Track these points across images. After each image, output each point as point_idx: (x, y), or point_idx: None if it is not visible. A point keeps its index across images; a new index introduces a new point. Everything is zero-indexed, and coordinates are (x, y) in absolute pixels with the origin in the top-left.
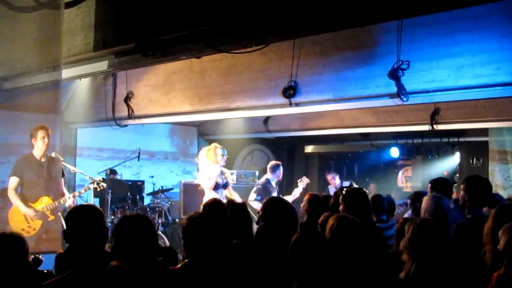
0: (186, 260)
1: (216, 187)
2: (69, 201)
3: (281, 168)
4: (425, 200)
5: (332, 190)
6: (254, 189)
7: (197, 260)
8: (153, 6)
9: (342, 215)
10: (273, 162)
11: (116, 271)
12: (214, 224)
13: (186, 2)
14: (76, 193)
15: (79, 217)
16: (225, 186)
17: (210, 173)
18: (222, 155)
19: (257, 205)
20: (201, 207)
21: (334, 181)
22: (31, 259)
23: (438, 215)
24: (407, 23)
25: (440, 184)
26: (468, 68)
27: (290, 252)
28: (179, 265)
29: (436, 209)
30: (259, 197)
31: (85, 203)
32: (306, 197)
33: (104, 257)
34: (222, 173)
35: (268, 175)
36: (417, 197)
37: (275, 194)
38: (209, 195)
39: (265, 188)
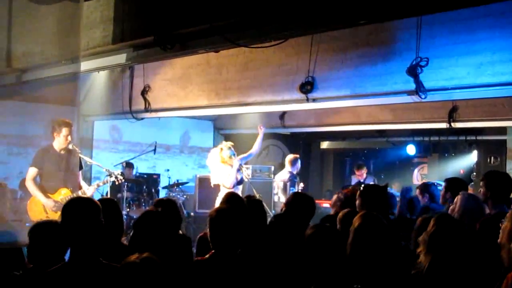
0: (213, 251)
1: (233, 184)
2: (88, 192)
3: (299, 161)
4: (462, 199)
5: (355, 181)
6: (292, 184)
7: (224, 252)
8: None
9: (367, 213)
10: (291, 156)
11: (149, 261)
12: (238, 216)
13: None
14: (95, 185)
15: (76, 210)
16: (240, 182)
17: (227, 171)
18: (230, 156)
19: None
20: (220, 201)
21: (362, 176)
22: None
23: (475, 215)
24: (426, 20)
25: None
26: (488, 65)
27: (305, 247)
28: (206, 256)
29: (475, 209)
30: (293, 189)
31: (83, 196)
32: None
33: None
34: (239, 169)
35: (288, 168)
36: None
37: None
38: (224, 191)
39: (293, 181)
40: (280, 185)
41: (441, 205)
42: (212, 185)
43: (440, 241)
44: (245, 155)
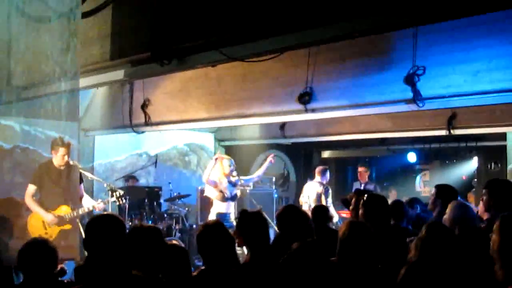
0: (202, 268)
1: (225, 199)
2: (89, 203)
3: (328, 172)
4: (451, 208)
5: (356, 185)
6: (327, 195)
7: (213, 268)
8: (168, 15)
9: (353, 221)
10: (320, 167)
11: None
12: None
13: (201, 11)
14: (96, 205)
15: (101, 226)
16: (233, 198)
17: (224, 184)
18: (230, 165)
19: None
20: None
21: (364, 178)
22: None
23: (464, 224)
24: (423, 29)
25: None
26: (485, 73)
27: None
28: (195, 273)
29: (463, 218)
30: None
31: (108, 213)
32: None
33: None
34: (233, 185)
35: (318, 179)
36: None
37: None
38: (217, 205)
39: (327, 192)
40: (312, 195)
41: (430, 211)
42: (204, 195)
43: (430, 247)
44: (247, 177)
